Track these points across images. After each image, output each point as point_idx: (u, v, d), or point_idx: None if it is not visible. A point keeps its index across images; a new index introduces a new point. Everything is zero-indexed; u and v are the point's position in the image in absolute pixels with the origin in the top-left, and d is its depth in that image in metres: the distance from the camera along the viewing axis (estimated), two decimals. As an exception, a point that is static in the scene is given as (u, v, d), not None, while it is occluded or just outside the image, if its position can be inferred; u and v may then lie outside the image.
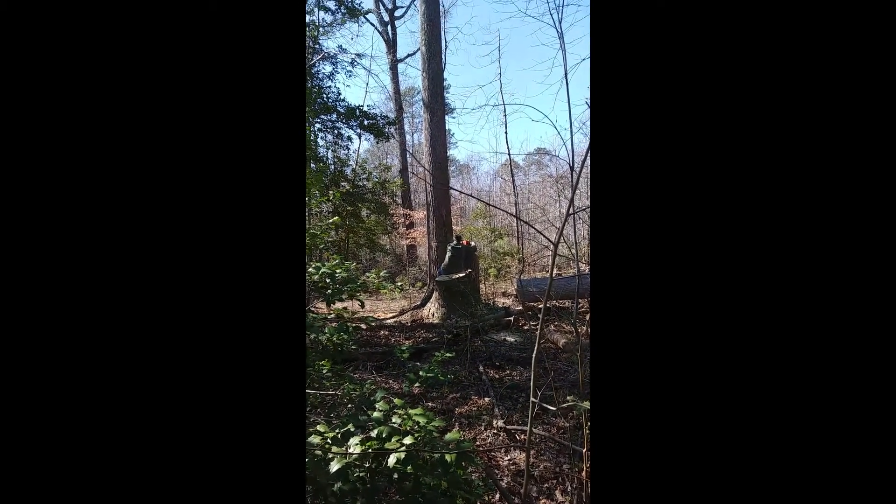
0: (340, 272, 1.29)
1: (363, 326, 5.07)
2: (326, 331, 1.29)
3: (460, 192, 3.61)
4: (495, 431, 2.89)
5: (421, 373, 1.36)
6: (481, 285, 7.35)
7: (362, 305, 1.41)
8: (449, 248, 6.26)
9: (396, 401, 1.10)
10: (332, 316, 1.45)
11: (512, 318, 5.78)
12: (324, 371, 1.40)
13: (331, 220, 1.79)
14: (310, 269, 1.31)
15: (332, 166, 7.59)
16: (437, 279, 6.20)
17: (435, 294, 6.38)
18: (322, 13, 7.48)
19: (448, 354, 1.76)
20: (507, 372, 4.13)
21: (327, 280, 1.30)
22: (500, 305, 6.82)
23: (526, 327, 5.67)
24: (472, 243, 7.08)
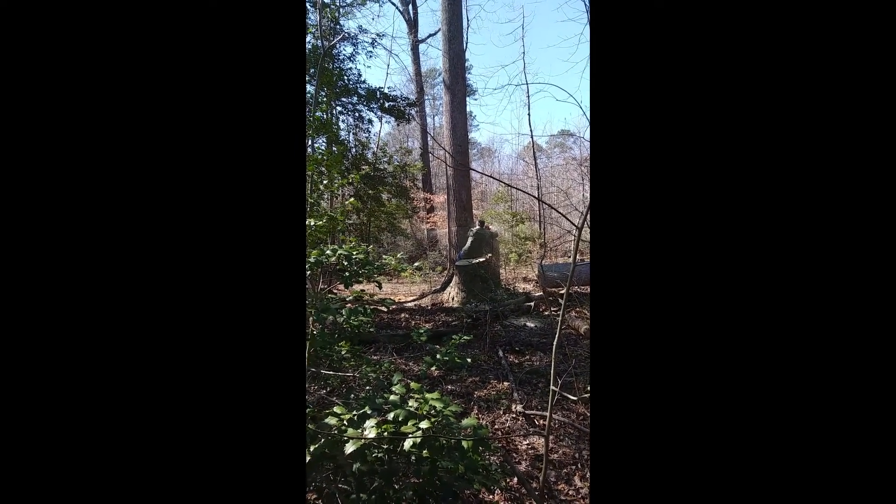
0: (357, 254, 1.28)
1: (383, 309, 5.14)
2: (344, 312, 1.29)
3: (481, 172, 3.54)
4: (514, 416, 2.89)
5: (438, 356, 1.35)
6: (502, 270, 7.30)
7: (380, 287, 1.41)
8: (470, 232, 6.22)
9: (413, 384, 1.09)
10: (351, 298, 1.45)
11: (532, 304, 5.72)
12: (342, 353, 1.41)
13: (348, 202, 1.79)
14: (327, 252, 1.31)
15: (353, 149, 7.61)
16: (457, 263, 6.18)
17: (455, 278, 6.38)
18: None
19: (466, 338, 1.75)
20: (527, 357, 4.12)
21: (345, 262, 1.30)
22: (521, 290, 6.76)
23: (546, 313, 5.61)
24: (493, 227, 7.02)
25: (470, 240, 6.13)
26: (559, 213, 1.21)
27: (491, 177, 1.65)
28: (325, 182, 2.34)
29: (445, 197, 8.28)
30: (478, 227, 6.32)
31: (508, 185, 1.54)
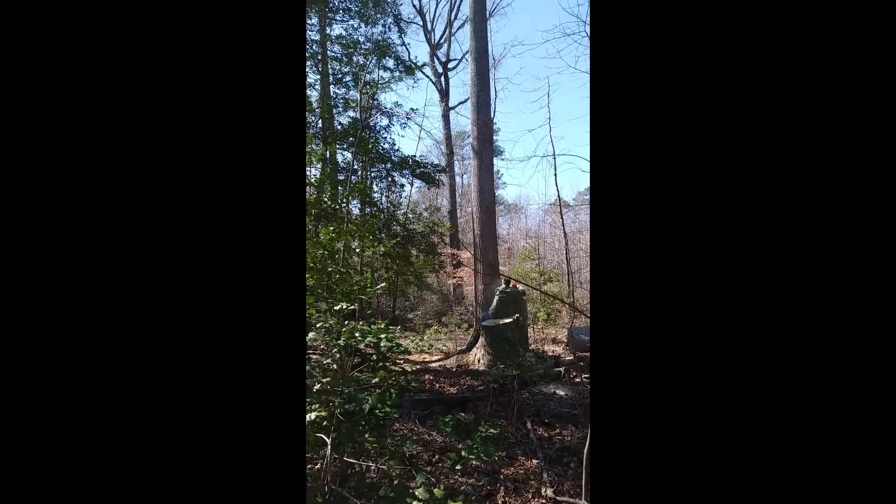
0: (385, 342, 1.31)
1: (406, 367, 5.05)
2: (370, 400, 1.29)
3: (509, 277, 3.57)
4: (544, 502, 2.67)
5: (463, 453, 1.31)
6: (529, 330, 7.10)
7: (406, 376, 1.41)
8: (496, 291, 6.17)
9: (437, 492, 1.05)
10: (376, 380, 1.47)
11: (562, 369, 5.47)
12: (366, 436, 1.39)
13: (379, 286, 1.88)
14: (357, 335, 1.35)
15: (386, 209, 8.02)
16: (483, 324, 6.08)
17: (481, 339, 6.25)
18: (381, 71, 8.24)
19: (492, 431, 1.69)
20: (557, 430, 3.87)
21: (371, 345, 1.33)
22: (550, 353, 6.50)
23: (577, 379, 5.33)
24: (520, 287, 6.93)
25: (496, 299, 6.06)
26: (578, 310, 1.20)
27: (518, 281, 1.67)
28: (357, 249, 2.45)
29: (472, 253, 8.36)
30: (503, 285, 6.27)
31: (533, 288, 1.55)
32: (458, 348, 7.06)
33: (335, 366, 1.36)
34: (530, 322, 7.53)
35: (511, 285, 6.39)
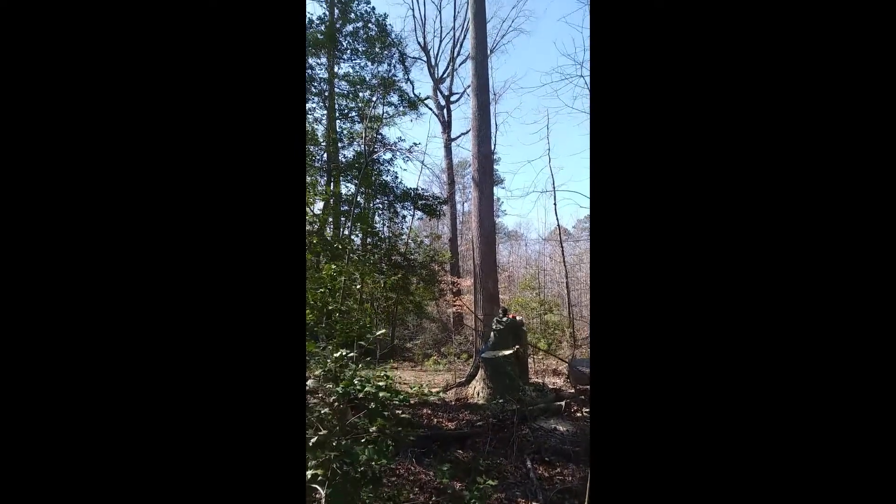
0: (384, 393, 1.33)
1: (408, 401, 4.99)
2: (367, 452, 1.29)
3: (506, 308, 3.59)
4: (544, 550, 2.58)
5: None
6: (529, 360, 7.01)
7: (403, 427, 1.42)
8: (494, 321, 6.14)
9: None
10: (374, 428, 1.47)
11: (563, 403, 5.37)
12: (361, 490, 1.38)
13: (379, 333, 1.91)
14: (356, 382, 1.37)
15: (387, 240, 8.14)
16: (482, 356, 6.02)
17: (481, 371, 6.17)
18: (385, 107, 8.59)
19: (491, 483, 1.67)
20: (558, 469, 3.77)
21: (370, 394, 1.35)
22: (551, 386, 6.40)
23: (579, 414, 5.23)
24: (520, 317, 6.90)
25: (495, 330, 6.03)
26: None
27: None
28: (358, 286, 2.49)
29: (472, 282, 8.39)
30: (502, 315, 6.24)
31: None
32: (458, 380, 6.96)
33: (330, 413, 1.38)
34: (531, 353, 7.44)
35: (510, 315, 6.36)
